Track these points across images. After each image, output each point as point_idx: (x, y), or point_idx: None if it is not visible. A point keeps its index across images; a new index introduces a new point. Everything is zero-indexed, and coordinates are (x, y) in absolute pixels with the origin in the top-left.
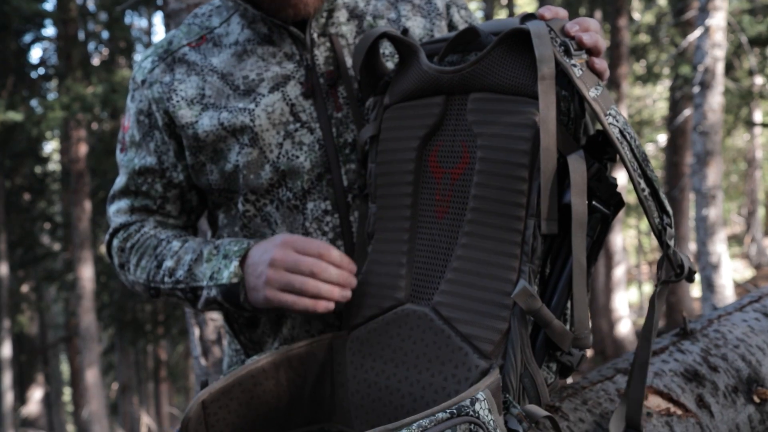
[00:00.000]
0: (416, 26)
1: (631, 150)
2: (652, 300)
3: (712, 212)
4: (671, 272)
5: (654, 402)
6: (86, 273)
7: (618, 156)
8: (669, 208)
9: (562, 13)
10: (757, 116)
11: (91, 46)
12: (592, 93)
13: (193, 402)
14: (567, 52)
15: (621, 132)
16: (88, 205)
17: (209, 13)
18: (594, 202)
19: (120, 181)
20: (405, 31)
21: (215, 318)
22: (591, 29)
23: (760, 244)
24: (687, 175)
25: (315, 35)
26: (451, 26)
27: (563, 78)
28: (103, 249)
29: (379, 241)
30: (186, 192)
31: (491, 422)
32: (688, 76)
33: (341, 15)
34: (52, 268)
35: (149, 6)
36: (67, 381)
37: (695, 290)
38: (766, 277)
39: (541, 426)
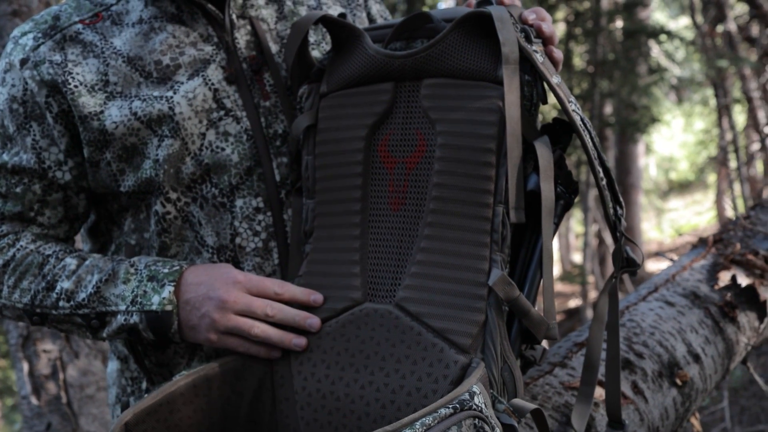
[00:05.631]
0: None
1: (591, 139)
2: (613, 292)
3: None
4: (620, 264)
5: (597, 392)
6: None
7: (581, 144)
8: (622, 200)
9: (517, 1)
10: None
11: None
12: (555, 80)
13: (115, 425)
14: (527, 39)
15: (582, 120)
16: None
17: None
18: (559, 189)
19: None
20: (342, 15)
21: (49, 350)
22: (547, 19)
23: None
24: None
25: (234, 16)
26: (370, 18)
27: (525, 63)
28: None
29: (322, 239)
30: (72, 196)
31: (491, 417)
32: None
33: None
34: None
35: None
36: None
37: None
38: None
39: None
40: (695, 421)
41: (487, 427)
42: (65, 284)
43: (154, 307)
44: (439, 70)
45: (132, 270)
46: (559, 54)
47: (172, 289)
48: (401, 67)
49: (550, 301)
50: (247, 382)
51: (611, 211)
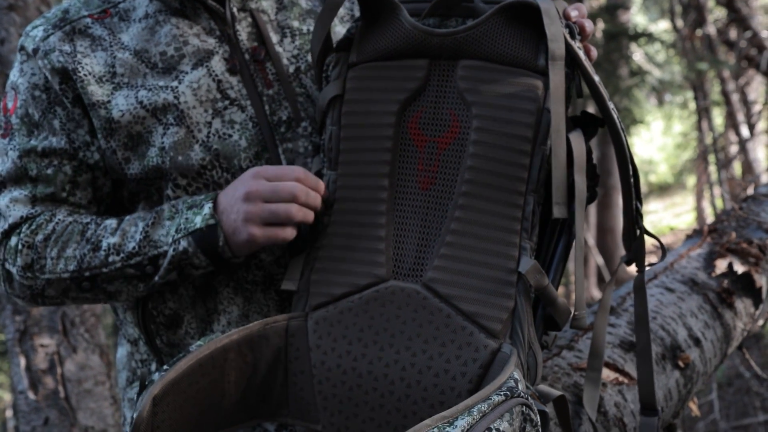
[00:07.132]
0: None
1: (625, 138)
2: (640, 285)
3: None
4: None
5: (604, 373)
6: None
7: (615, 142)
8: (642, 197)
9: None
10: None
11: None
12: (596, 78)
13: (146, 397)
14: (572, 35)
15: (618, 118)
16: None
17: None
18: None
19: (7, 168)
20: None
21: (46, 344)
22: (587, 16)
23: None
24: None
25: (235, 10)
26: None
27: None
28: None
29: (345, 212)
30: (99, 176)
31: (533, 404)
32: None
33: None
34: None
35: None
36: None
37: None
38: None
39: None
40: (693, 406)
41: (533, 414)
42: (111, 240)
43: (198, 226)
44: (477, 53)
45: (173, 209)
46: (594, 51)
47: (210, 205)
48: (439, 45)
49: (580, 291)
50: (263, 354)
51: (634, 206)
